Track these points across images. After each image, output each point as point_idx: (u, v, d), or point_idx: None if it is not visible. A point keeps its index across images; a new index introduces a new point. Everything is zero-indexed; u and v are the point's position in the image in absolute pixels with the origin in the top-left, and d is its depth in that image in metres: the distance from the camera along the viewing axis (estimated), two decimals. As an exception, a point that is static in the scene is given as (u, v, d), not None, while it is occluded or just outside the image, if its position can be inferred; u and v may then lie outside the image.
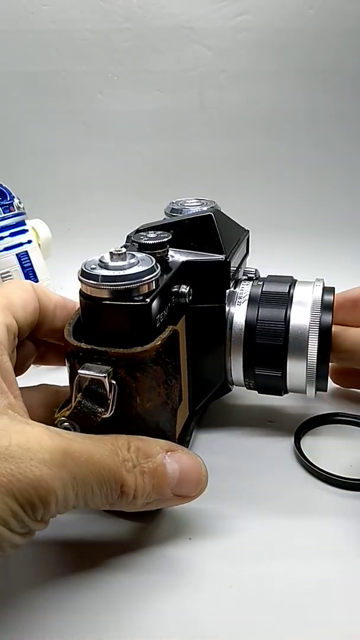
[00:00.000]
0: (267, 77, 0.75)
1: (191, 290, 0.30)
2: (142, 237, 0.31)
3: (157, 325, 0.26)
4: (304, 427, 0.37)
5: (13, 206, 0.48)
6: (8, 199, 0.48)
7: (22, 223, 0.48)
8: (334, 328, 0.35)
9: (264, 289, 0.34)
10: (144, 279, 0.26)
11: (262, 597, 0.26)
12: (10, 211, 0.47)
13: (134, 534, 0.30)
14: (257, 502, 0.32)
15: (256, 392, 0.35)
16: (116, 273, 0.25)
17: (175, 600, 0.26)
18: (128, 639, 0.24)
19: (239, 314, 0.33)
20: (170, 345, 0.27)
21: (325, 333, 0.31)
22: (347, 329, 0.36)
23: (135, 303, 0.25)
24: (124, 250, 0.26)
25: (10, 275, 0.47)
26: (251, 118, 0.76)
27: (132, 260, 0.26)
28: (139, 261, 0.27)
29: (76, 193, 0.77)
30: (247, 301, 0.33)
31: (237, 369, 0.34)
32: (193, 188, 0.76)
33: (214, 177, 0.75)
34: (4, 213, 0.47)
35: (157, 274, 0.26)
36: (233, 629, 0.24)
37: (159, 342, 0.26)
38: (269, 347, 0.32)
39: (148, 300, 0.25)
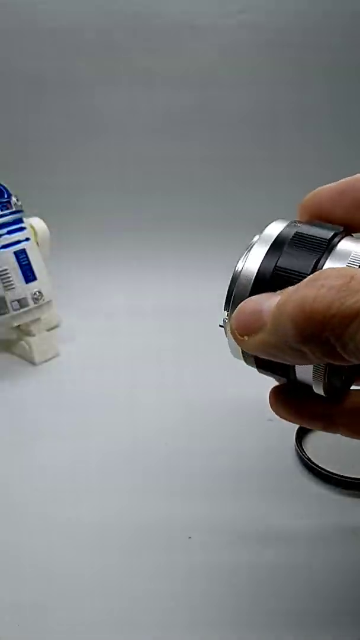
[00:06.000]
0: (267, 76, 0.75)
1: None
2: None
3: None
4: (305, 426, 0.36)
5: (10, 204, 0.47)
6: (5, 196, 0.47)
7: (20, 221, 0.48)
8: None
9: (298, 231, 0.24)
10: None
11: (260, 595, 0.26)
12: (7, 209, 0.47)
13: (132, 535, 0.29)
14: (257, 501, 0.31)
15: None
16: None
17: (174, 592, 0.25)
18: None
19: (252, 260, 0.24)
20: None
21: None
22: None
23: None
24: None
25: (8, 273, 0.46)
26: (252, 117, 0.76)
27: None
28: None
29: (75, 192, 0.77)
30: (270, 244, 0.24)
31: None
32: (193, 188, 0.76)
33: (214, 177, 0.75)
34: (2, 210, 0.47)
35: None
36: (230, 626, 0.24)
37: None
38: None
39: None
